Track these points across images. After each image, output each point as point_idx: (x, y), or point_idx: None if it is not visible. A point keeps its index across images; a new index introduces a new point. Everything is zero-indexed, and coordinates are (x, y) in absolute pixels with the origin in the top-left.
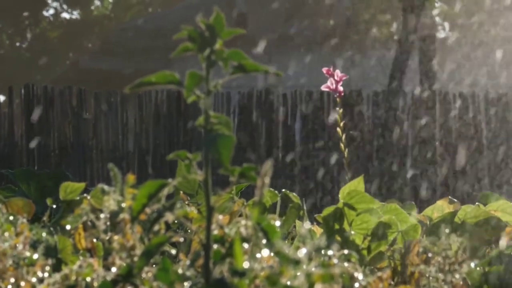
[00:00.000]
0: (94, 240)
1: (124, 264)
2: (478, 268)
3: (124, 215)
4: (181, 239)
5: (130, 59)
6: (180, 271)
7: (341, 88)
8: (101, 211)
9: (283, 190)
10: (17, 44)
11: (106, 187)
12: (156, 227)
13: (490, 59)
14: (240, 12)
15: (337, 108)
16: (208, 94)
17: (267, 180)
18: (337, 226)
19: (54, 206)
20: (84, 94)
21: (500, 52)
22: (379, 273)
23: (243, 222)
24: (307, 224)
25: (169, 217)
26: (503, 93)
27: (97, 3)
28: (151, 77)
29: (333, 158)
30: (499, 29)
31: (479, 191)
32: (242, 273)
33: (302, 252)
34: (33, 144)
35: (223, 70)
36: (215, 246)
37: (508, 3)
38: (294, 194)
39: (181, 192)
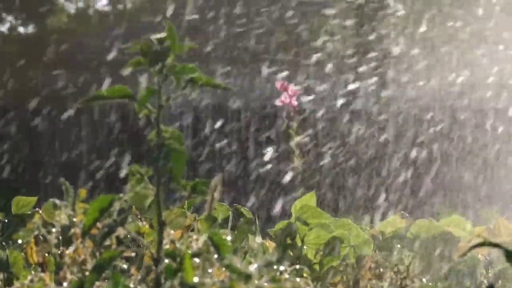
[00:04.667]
0: (46, 254)
1: (76, 279)
2: (430, 283)
3: (76, 230)
4: (133, 254)
5: (87, 73)
6: (131, 285)
7: (295, 102)
8: (53, 225)
9: (235, 204)
10: None
11: (58, 202)
12: (107, 242)
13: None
14: (196, 26)
15: (291, 122)
16: (159, 108)
17: (216, 194)
18: (289, 241)
19: (6, 221)
20: (39, 108)
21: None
22: None
23: (194, 236)
24: (259, 239)
25: (120, 231)
26: None
27: (53, 17)
28: (103, 91)
29: (287, 172)
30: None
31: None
32: None
33: (254, 267)
34: None
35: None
36: (166, 261)
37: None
38: (245, 208)
39: (133, 207)
